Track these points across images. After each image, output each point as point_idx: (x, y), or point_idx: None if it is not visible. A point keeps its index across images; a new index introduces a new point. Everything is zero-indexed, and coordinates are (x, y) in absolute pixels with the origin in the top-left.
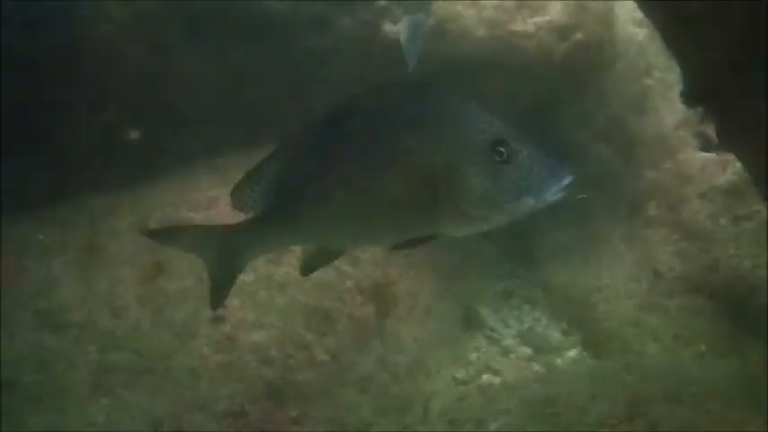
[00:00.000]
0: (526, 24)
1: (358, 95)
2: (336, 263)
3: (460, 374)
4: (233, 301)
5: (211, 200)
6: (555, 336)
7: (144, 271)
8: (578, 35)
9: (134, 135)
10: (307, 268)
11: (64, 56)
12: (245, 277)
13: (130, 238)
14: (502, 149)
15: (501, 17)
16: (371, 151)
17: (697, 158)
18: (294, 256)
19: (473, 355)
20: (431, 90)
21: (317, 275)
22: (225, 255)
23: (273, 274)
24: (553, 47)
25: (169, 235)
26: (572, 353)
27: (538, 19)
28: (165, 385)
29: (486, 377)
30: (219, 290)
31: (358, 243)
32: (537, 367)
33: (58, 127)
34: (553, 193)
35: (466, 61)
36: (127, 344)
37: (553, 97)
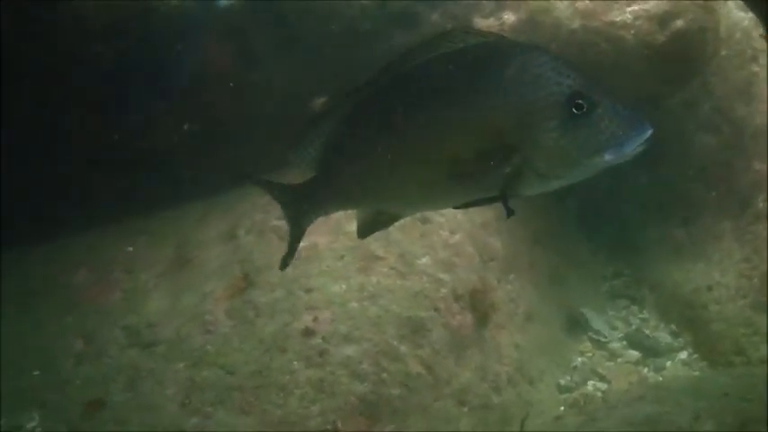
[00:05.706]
0: (624, 14)
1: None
2: (431, 269)
3: (565, 381)
4: (324, 314)
5: None
6: (664, 337)
7: (233, 282)
8: (679, 22)
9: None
10: (363, 231)
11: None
12: (336, 288)
13: (219, 249)
14: (580, 102)
15: (596, 7)
16: (433, 109)
17: None
18: (386, 264)
19: (578, 360)
20: (502, 42)
21: (410, 284)
22: (298, 210)
23: (365, 284)
24: (653, 36)
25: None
26: (682, 355)
27: (636, 7)
28: (254, 403)
29: (591, 383)
30: (293, 243)
31: (421, 207)
32: (645, 371)
33: (144, 137)
34: (633, 148)
35: (561, 56)
36: (216, 360)
37: (655, 88)
